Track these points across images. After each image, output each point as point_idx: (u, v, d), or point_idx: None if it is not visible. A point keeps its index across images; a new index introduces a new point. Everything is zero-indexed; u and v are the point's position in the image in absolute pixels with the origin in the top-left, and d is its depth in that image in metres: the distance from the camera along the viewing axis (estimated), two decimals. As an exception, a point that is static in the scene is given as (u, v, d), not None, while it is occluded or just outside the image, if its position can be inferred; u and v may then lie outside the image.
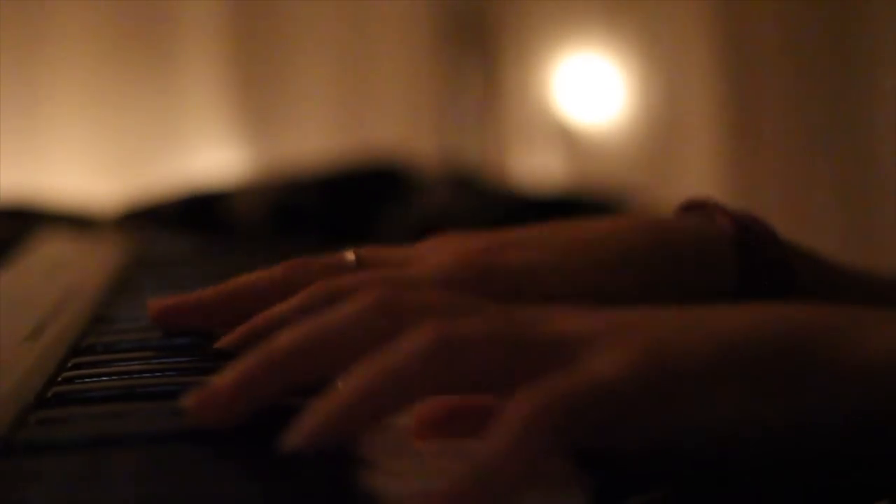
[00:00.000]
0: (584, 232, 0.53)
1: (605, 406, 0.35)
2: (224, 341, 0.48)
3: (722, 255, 0.52)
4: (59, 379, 0.46)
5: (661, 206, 1.25)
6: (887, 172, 1.86)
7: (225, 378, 0.38)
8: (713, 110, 1.87)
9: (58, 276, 0.73)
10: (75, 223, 1.00)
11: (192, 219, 1.04)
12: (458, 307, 0.40)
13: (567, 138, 1.89)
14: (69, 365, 0.48)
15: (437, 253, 0.52)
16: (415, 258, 0.52)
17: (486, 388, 0.38)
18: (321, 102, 1.88)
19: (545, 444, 0.34)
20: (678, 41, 1.88)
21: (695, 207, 0.55)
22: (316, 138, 1.84)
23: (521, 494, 0.34)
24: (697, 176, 1.89)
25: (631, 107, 1.89)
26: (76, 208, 1.07)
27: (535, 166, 1.85)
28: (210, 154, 1.85)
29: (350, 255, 0.52)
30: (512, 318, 0.39)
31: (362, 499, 0.34)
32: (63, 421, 0.41)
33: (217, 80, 1.87)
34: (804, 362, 0.38)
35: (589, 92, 1.89)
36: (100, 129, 1.85)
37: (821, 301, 0.44)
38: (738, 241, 0.52)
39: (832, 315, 0.40)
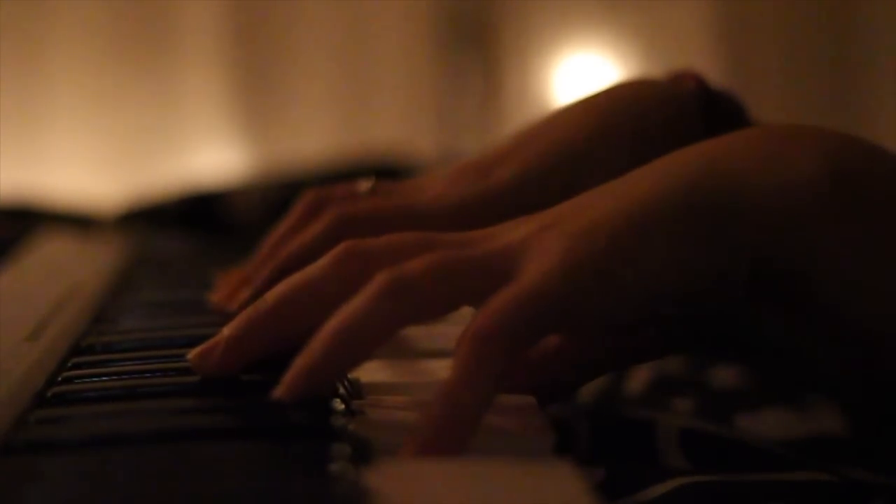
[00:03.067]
0: (556, 126, 0.57)
1: (543, 309, 0.40)
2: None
3: (684, 117, 0.54)
4: (59, 378, 0.46)
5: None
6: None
7: (221, 334, 0.43)
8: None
9: (58, 276, 0.73)
10: (75, 223, 1.00)
11: (192, 219, 1.04)
12: (414, 248, 0.43)
13: (567, 138, 1.89)
14: (69, 364, 0.48)
15: (440, 181, 0.56)
16: (424, 186, 0.57)
17: (441, 313, 0.41)
18: (321, 102, 1.88)
19: (496, 362, 0.38)
20: (678, 41, 1.88)
21: (674, 76, 0.58)
22: (316, 138, 1.84)
23: (485, 413, 0.38)
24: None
25: (631, 106, 1.89)
26: (76, 208, 1.07)
27: (535, 166, 1.85)
28: (210, 154, 1.85)
29: (365, 184, 0.57)
30: (458, 245, 0.43)
31: (361, 497, 0.34)
32: (63, 420, 0.41)
33: (217, 80, 1.87)
34: (708, 213, 0.41)
35: (589, 92, 1.89)
36: (100, 129, 1.85)
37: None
38: (702, 100, 0.54)
39: (734, 155, 0.43)
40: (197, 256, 0.86)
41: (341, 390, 0.43)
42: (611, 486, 0.44)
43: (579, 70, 1.89)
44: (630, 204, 0.42)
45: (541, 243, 0.41)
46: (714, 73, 1.91)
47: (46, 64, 1.83)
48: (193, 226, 1.03)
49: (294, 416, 0.40)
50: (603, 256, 0.41)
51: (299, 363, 0.41)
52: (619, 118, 0.55)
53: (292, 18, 1.87)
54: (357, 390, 0.45)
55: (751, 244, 0.42)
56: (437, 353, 0.49)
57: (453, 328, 0.41)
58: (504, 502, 0.35)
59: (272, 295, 0.44)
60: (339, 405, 0.41)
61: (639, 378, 0.63)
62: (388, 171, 1.15)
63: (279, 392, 0.40)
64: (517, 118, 1.89)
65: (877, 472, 0.48)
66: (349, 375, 0.47)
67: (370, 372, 0.46)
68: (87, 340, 0.52)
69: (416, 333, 0.51)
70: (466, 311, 0.42)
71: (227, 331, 0.43)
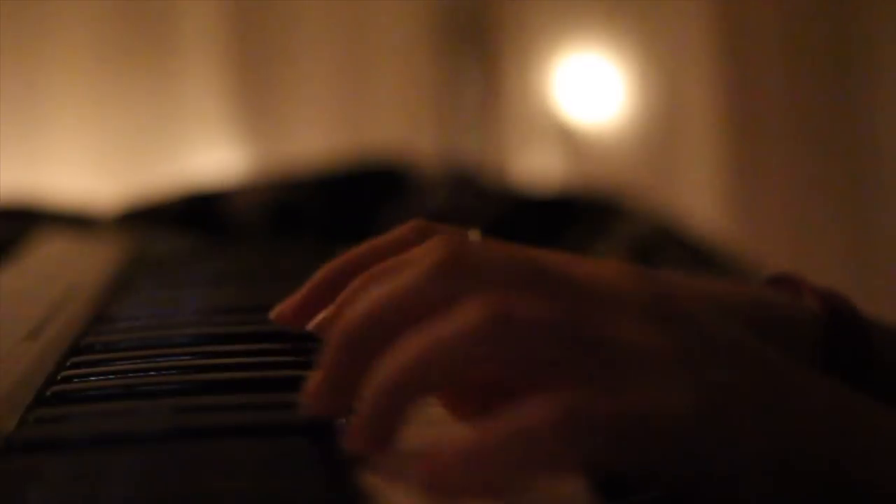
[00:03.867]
0: (685, 284, 0.51)
1: (637, 440, 0.34)
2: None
3: (809, 332, 0.51)
4: (59, 378, 0.46)
5: (661, 205, 1.25)
6: (887, 169, 1.86)
7: (318, 373, 0.38)
8: (713, 110, 1.87)
9: (58, 275, 0.73)
10: (75, 223, 1.00)
11: (192, 219, 1.04)
12: (522, 276, 0.38)
13: (567, 138, 1.89)
14: (69, 364, 0.48)
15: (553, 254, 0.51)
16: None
17: (529, 376, 0.36)
18: (321, 102, 1.88)
19: (557, 453, 0.34)
20: (678, 41, 1.88)
21: (779, 281, 0.54)
22: (315, 138, 1.84)
23: (507, 485, 0.34)
24: (697, 176, 1.89)
25: (631, 107, 1.89)
26: (76, 208, 1.07)
27: (535, 166, 1.85)
28: (210, 154, 1.85)
29: (474, 234, 0.51)
30: (577, 309, 0.37)
31: (361, 499, 0.34)
32: (62, 419, 0.42)
33: (217, 80, 1.87)
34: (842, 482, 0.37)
35: (589, 92, 1.89)
36: (100, 129, 1.85)
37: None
38: (826, 322, 0.51)
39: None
40: (197, 257, 0.86)
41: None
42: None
43: (579, 70, 1.89)
44: (785, 416, 0.37)
45: (673, 370, 0.36)
46: (714, 73, 1.91)
47: (46, 64, 1.83)
48: (193, 226, 1.03)
49: (294, 415, 0.40)
50: (730, 449, 0.36)
51: (372, 395, 0.36)
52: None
53: (292, 18, 1.87)
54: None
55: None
56: None
57: None
58: (504, 501, 0.35)
59: (356, 318, 0.38)
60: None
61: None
62: (387, 172, 1.15)
63: (352, 441, 0.36)
64: (517, 118, 1.89)
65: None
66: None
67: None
68: (86, 339, 0.52)
69: None
70: None
71: (321, 372, 0.38)
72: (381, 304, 0.38)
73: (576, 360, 0.35)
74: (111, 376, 0.46)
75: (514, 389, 0.36)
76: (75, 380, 0.46)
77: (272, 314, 0.49)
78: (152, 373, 0.46)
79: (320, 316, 0.48)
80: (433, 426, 0.40)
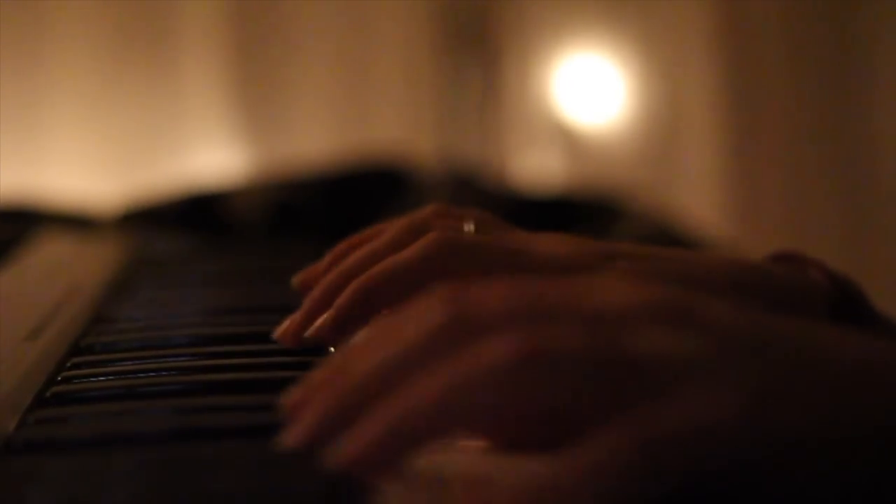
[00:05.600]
0: (693, 257, 0.52)
1: (699, 452, 0.33)
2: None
3: (815, 307, 0.50)
4: (59, 378, 0.46)
5: (661, 205, 1.25)
6: (887, 171, 1.86)
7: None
8: (713, 110, 1.87)
9: (58, 276, 0.73)
10: (75, 223, 1.00)
11: (192, 219, 1.04)
12: (542, 303, 0.36)
13: (567, 138, 1.89)
14: (69, 364, 0.48)
15: (552, 240, 0.51)
16: (530, 239, 0.51)
17: (567, 410, 0.33)
18: (321, 102, 1.88)
19: (627, 481, 0.32)
20: (678, 41, 1.88)
21: (785, 259, 0.53)
22: (316, 138, 1.84)
23: None
24: (697, 176, 1.89)
25: (631, 107, 1.89)
26: (76, 208, 1.07)
27: (535, 166, 1.85)
28: (210, 154, 1.85)
29: (468, 224, 0.52)
30: (607, 329, 0.35)
31: (361, 496, 0.34)
32: (62, 420, 0.42)
33: (217, 80, 1.87)
34: None
35: (589, 92, 1.89)
36: (100, 129, 1.85)
37: None
38: (832, 296, 0.51)
39: None
40: (197, 257, 0.86)
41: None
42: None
43: (579, 70, 1.89)
44: (840, 391, 0.35)
45: (718, 368, 0.34)
46: (715, 74, 1.91)
47: (46, 64, 1.83)
48: (193, 226, 1.03)
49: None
50: (796, 441, 0.34)
51: (378, 425, 0.34)
52: (747, 290, 0.49)
53: (292, 19, 1.87)
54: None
55: None
56: None
57: None
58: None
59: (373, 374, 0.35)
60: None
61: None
62: (388, 172, 1.15)
63: (342, 457, 0.34)
64: (517, 118, 1.89)
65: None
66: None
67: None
68: (86, 340, 0.52)
69: None
70: None
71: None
72: (388, 358, 0.35)
73: (619, 384, 0.33)
74: (111, 377, 0.46)
75: (553, 420, 0.34)
76: (75, 381, 0.46)
77: (276, 335, 0.50)
78: (152, 374, 0.47)
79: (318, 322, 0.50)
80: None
